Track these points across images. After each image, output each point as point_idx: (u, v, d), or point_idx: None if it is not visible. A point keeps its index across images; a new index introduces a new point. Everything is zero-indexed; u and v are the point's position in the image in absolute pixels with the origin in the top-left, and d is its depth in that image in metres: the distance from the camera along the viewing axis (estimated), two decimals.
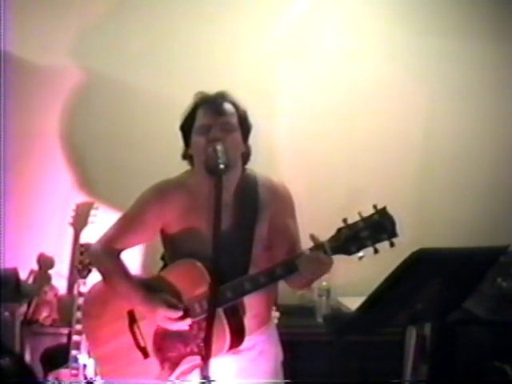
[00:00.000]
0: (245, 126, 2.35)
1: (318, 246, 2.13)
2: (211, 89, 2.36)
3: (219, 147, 2.19)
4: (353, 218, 2.12)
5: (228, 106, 2.32)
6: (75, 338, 3.17)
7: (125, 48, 3.67)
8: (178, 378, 2.28)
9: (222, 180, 2.11)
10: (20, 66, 3.62)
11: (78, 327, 3.17)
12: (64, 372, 3.19)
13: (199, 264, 2.22)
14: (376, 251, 2.09)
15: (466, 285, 2.40)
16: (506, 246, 2.33)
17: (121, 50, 3.67)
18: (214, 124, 2.27)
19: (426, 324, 2.62)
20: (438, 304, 2.34)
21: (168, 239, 2.38)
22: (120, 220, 2.43)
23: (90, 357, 3.11)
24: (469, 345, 3.43)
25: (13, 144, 3.62)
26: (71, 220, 3.58)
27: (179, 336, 2.28)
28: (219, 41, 3.73)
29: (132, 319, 2.36)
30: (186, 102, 2.36)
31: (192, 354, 2.26)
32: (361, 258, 2.10)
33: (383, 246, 3.69)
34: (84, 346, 3.16)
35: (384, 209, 2.09)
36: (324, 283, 3.68)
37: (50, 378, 3.22)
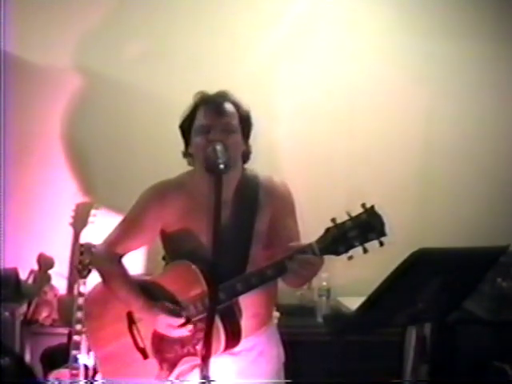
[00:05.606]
0: (246, 126, 2.33)
1: (307, 248, 2.08)
2: (212, 89, 2.36)
3: (219, 147, 2.16)
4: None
5: (228, 107, 2.29)
6: (75, 338, 3.17)
7: (125, 49, 3.67)
8: (176, 378, 2.28)
9: (222, 180, 2.06)
10: (20, 66, 3.62)
11: (78, 327, 3.17)
12: (64, 372, 3.19)
13: (193, 266, 2.22)
14: (365, 251, 2.01)
15: (466, 285, 2.40)
16: (506, 246, 2.33)
17: (121, 51, 3.68)
18: (214, 125, 2.24)
19: (426, 324, 2.62)
20: (439, 304, 2.33)
21: (167, 239, 2.37)
22: (120, 224, 2.42)
23: (90, 356, 3.13)
24: (469, 345, 3.43)
25: (13, 144, 3.62)
26: (71, 220, 3.58)
27: (176, 337, 2.27)
28: (219, 41, 3.74)
29: (131, 321, 2.35)
30: (186, 103, 2.36)
31: (189, 354, 2.26)
32: (350, 258, 2.02)
33: (381, 247, 3.74)
34: (84, 345, 3.17)
35: (372, 207, 2.01)
36: (324, 283, 3.68)
37: (50, 378, 3.22)
